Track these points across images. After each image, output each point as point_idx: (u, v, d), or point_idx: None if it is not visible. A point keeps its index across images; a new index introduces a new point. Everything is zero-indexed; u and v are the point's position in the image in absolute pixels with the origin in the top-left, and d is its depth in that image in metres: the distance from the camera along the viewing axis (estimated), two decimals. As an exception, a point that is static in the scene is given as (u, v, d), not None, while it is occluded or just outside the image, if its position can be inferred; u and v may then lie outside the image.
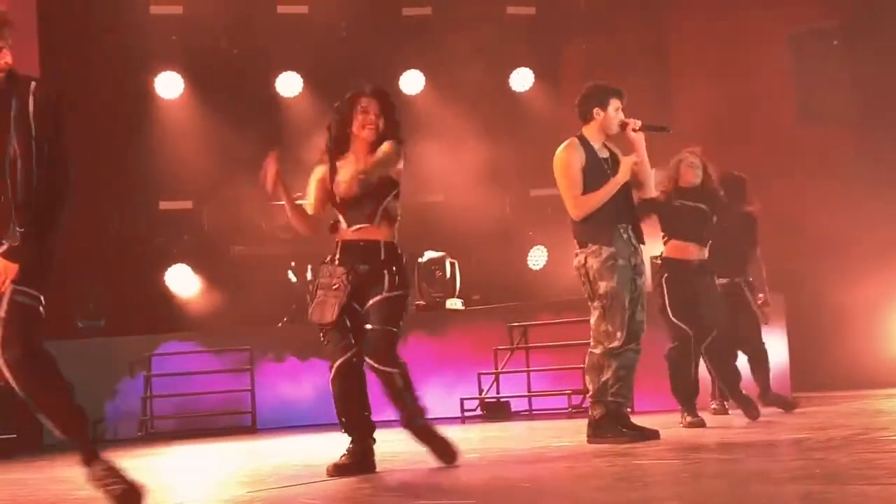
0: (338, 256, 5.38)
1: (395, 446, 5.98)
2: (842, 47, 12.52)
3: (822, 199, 11.93)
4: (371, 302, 5.25)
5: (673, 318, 7.30)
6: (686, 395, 7.25)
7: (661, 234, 7.43)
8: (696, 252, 7.33)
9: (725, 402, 8.21)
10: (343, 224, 5.41)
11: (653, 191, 6.42)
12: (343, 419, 5.28)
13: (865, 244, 11.91)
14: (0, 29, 4.10)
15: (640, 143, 6.22)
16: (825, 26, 12.59)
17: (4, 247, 4.05)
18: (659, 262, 7.55)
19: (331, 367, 5.27)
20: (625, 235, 6.09)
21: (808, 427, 6.81)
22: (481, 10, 12.78)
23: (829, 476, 4.14)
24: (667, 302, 7.30)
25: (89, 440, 4.29)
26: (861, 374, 11.58)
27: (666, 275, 7.33)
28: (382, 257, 5.29)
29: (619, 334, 6.04)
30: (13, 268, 4.03)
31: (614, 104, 6.22)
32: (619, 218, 6.08)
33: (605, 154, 6.19)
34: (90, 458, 4.24)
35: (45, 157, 4.08)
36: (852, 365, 11.78)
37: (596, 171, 6.09)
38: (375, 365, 5.21)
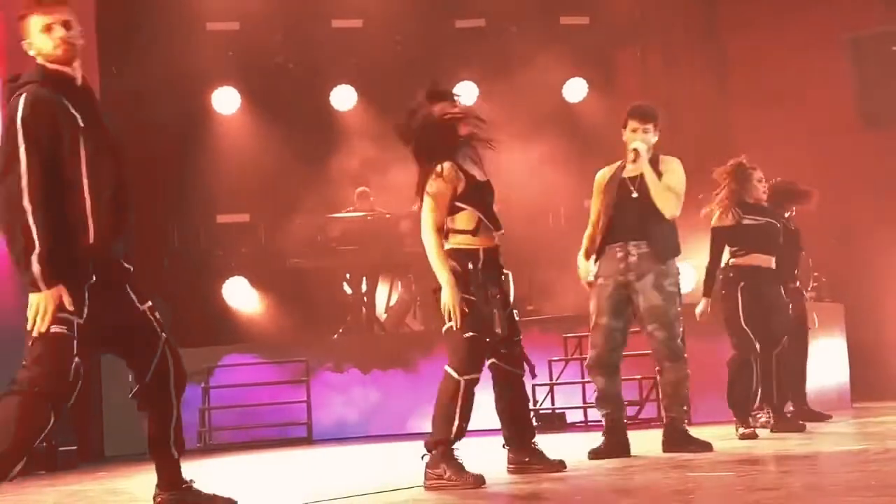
0: (482, 264, 5.21)
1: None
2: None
3: (881, 206, 11.77)
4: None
5: (744, 327, 7.28)
6: (743, 406, 7.20)
7: (732, 248, 7.51)
8: (767, 261, 7.45)
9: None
10: (490, 229, 5.25)
11: (669, 209, 6.08)
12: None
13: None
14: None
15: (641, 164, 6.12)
16: (886, 30, 12.44)
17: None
18: (730, 273, 7.47)
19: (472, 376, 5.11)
20: (619, 254, 6.06)
21: (864, 438, 6.71)
22: (534, 21, 12.79)
23: (886, 488, 4.08)
24: (741, 310, 7.29)
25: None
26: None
27: (742, 283, 7.35)
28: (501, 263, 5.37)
29: (590, 352, 6.13)
30: None
31: (630, 125, 6.18)
32: (614, 237, 6.08)
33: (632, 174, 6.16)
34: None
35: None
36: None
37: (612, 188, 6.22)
38: (518, 371, 5.34)
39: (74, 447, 8.67)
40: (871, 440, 6.37)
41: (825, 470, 5.16)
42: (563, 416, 9.88)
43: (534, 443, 5.41)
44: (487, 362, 5.28)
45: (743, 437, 6.97)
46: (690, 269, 10.82)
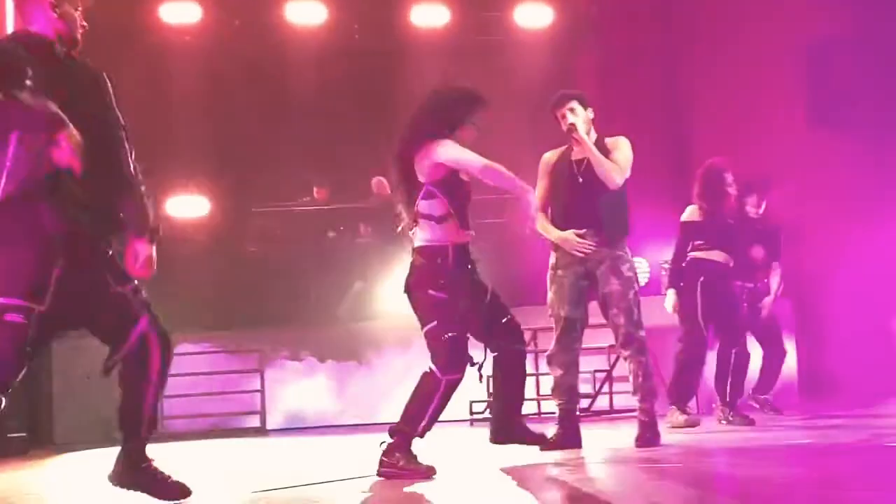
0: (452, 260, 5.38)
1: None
2: (853, 55, 12.52)
3: (829, 206, 11.95)
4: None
5: (700, 321, 7.37)
6: (684, 396, 7.37)
7: (696, 242, 7.62)
8: (726, 258, 7.60)
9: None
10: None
11: (611, 180, 6.07)
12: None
13: (874, 251, 11.90)
14: None
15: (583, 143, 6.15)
16: (837, 34, 12.60)
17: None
18: (691, 267, 7.55)
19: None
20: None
21: (813, 433, 6.83)
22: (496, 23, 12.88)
23: (830, 482, 4.17)
24: (699, 305, 7.37)
25: None
26: (869, 382, 11.58)
27: (702, 278, 7.44)
28: None
29: (552, 344, 6.20)
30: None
31: (557, 115, 6.22)
32: (567, 226, 6.08)
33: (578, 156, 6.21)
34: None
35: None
36: (860, 372, 11.78)
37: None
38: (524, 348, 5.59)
39: (24, 434, 8.59)
40: (818, 436, 6.49)
41: (771, 463, 5.25)
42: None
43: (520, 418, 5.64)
44: (491, 355, 5.38)
45: (684, 424, 7.07)
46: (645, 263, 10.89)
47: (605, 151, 6.14)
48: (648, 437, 6.03)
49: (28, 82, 3.89)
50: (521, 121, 11.11)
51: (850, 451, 5.42)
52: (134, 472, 4.29)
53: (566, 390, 6.14)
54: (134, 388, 4.22)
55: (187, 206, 12.63)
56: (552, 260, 6.18)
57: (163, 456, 4.37)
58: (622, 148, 6.17)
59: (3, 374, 3.96)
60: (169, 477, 4.35)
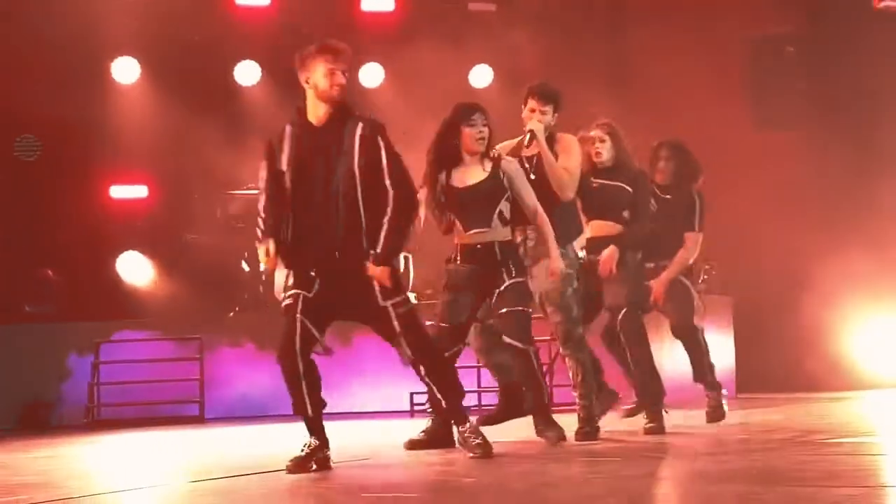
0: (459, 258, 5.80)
1: (345, 440, 6.00)
2: (796, 54, 12.68)
3: (772, 204, 12.09)
4: (497, 292, 5.70)
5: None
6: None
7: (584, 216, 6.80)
8: (614, 231, 6.55)
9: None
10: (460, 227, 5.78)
11: (565, 192, 6.06)
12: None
13: (814, 249, 12.07)
14: (337, 55, 4.96)
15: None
16: (780, 32, 12.75)
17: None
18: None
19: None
20: (518, 239, 5.98)
21: (747, 428, 6.91)
22: (442, 6, 12.82)
23: (765, 477, 4.22)
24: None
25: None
26: (805, 377, 11.76)
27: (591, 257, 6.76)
28: (499, 257, 5.72)
29: None
30: (386, 271, 4.94)
31: (529, 104, 6.14)
32: (513, 220, 5.96)
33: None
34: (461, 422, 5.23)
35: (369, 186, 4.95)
36: (797, 368, 11.95)
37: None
38: (516, 343, 5.69)
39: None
40: (754, 431, 6.57)
41: (709, 458, 5.31)
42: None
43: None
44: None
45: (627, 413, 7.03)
46: None
47: (553, 148, 6.11)
48: (587, 431, 6.07)
49: None
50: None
51: (784, 446, 5.49)
52: None
53: (500, 368, 6.14)
54: None
55: (128, 192, 12.49)
56: None
57: (97, 444, 4.30)
58: (573, 154, 6.13)
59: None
60: None
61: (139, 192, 12.54)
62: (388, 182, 4.94)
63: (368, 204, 4.93)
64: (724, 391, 7.14)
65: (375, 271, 4.94)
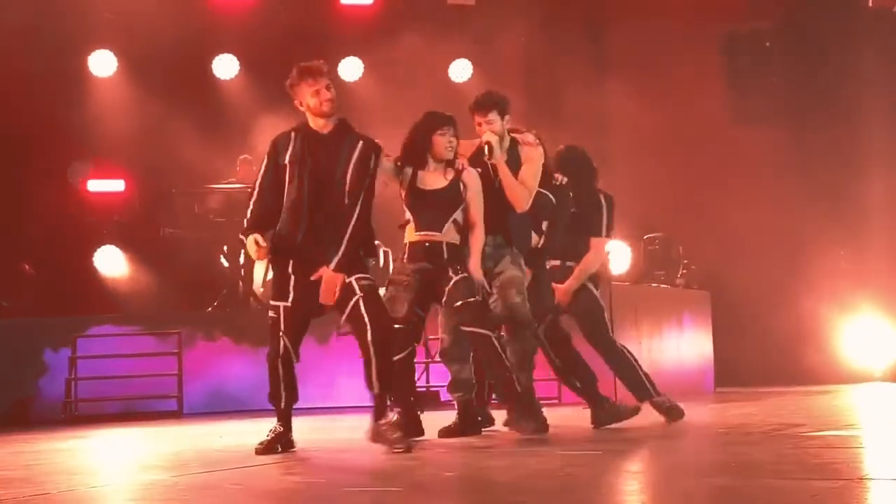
0: (407, 255, 5.99)
1: (323, 433, 5.99)
2: (773, 48, 12.73)
3: (751, 199, 12.14)
4: (447, 289, 5.85)
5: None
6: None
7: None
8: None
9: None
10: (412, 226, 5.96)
11: (520, 205, 6.10)
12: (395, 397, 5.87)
13: (792, 244, 12.14)
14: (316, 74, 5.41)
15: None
16: (757, 27, 12.80)
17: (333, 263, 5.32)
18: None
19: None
20: (488, 249, 6.07)
21: (726, 422, 6.94)
22: (423, 1, 12.82)
23: (744, 470, 4.24)
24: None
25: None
26: (783, 371, 11.83)
27: None
28: (446, 256, 5.87)
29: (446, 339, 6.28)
30: (341, 277, 5.31)
31: (475, 119, 6.18)
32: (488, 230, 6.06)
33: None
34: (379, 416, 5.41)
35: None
36: (774, 361, 12.02)
37: None
38: (477, 330, 5.81)
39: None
40: (733, 424, 6.60)
41: (688, 451, 5.33)
42: (437, 394, 9.96)
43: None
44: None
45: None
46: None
47: (517, 156, 6.16)
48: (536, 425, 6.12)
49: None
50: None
51: (763, 439, 5.52)
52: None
53: (463, 384, 6.20)
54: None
55: (105, 186, 12.43)
56: None
57: (75, 439, 4.27)
58: (533, 165, 6.16)
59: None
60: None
61: (116, 185, 12.48)
62: (357, 197, 5.37)
63: (351, 210, 5.37)
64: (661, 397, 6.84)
65: (328, 274, 5.34)
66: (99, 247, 12.38)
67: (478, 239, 5.95)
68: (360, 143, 5.44)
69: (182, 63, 12.41)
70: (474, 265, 5.89)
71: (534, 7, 13.07)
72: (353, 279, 5.35)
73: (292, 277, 5.44)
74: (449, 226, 5.89)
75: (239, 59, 12.84)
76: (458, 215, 5.92)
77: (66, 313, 10.82)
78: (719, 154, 12.44)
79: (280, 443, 5.55)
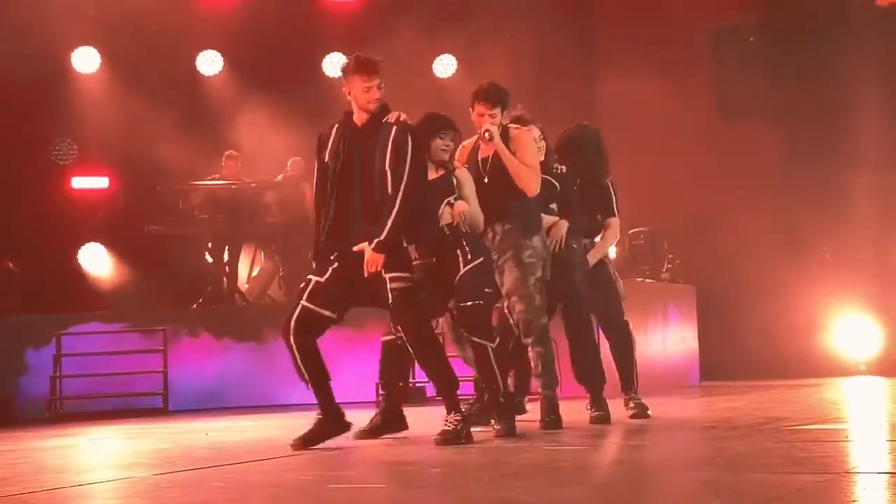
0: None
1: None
2: (759, 44, 12.75)
3: (736, 194, 12.17)
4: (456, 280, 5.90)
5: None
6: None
7: None
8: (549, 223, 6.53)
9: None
10: None
11: (530, 188, 6.10)
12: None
13: (776, 238, 12.17)
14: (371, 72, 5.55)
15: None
16: (743, 23, 12.82)
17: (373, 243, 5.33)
18: None
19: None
20: (489, 234, 6.08)
21: (712, 416, 6.95)
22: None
23: (730, 464, 4.25)
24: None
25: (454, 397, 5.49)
26: (767, 365, 11.85)
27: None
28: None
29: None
30: (381, 258, 5.32)
31: (477, 109, 6.16)
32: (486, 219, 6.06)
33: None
34: (454, 409, 5.44)
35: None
36: (760, 355, 12.05)
37: None
38: (474, 339, 5.85)
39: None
40: (718, 418, 6.61)
41: (674, 446, 5.34)
42: (423, 390, 9.95)
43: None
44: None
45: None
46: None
47: (508, 144, 6.15)
48: (549, 420, 6.10)
49: None
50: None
51: (749, 433, 5.53)
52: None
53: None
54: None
55: (89, 183, 12.39)
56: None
57: (60, 438, 4.25)
58: (528, 147, 6.16)
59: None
60: None
61: (100, 183, 12.43)
62: (398, 182, 5.42)
63: (394, 197, 5.42)
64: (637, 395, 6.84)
65: (369, 253, 5.35)
66: (83, 244, 12.33)
67: (478, 214, 6.00)
68: (394, 129, 5.51)
69: (166, 59, 12.37)
70: (463, 205, 5.92)
71: (519, 2, 13.07)
72: (388, 277, 5.37)
73: (335, 263, 5.46)
74: (444, 208, 5.92)
75: (223, 56, 12.81)
76: (451, 199, 5.96)
77: (51, 311, 10.77)
78: (705, 149, 12.45)
79: (322, 434, 5.47)
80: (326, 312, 5.46)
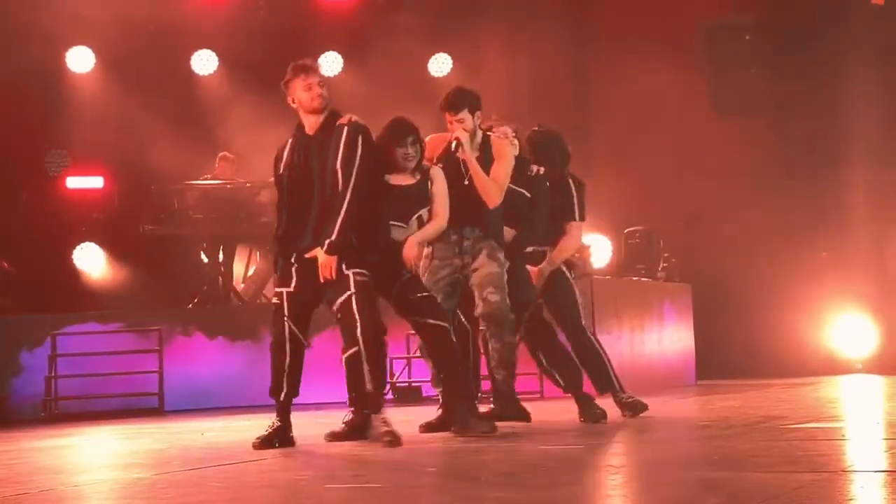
0: None
1: (305, 429, 5.97)
2: (754, 42, 12.76)
3: (732, 192, 12.17)
4: (402, 282, 5.87)
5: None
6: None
7: None
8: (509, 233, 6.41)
9: None
10: None
11: (491, 201, 6.07)
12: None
13: (773, 236, 12.17)
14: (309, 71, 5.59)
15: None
16: (738, 21, 12.82)
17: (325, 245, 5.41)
18: None
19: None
20: (453, 237, 6.08)
21: (708, 415, 6.95)
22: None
23: (727, 463, 4.24)
24: None
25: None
26: (764, 363, 11.86)
27: None
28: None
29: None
30: (333, 259, 5.39)
31: (446, 117, 6.16)
32: (450, 220, 6.02)
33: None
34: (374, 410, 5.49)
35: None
36: (756, 353, 12.05)
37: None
38: (438, 322, 5.83)
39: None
40: (715, 417, 6.61)
41: (670, 444, 5.33)
42: (418, 389, 9.95)
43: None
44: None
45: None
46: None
47: (490, 152, 6.14)
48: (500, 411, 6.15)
49: None
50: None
51: (745, 432, 5.53)
52: None
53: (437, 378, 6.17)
54: None
55: (84, 183, 12.36)
56: (428, 248, 6.15)
57: (56, 438, 4.23)
58: (504, 161, 6.14)
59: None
60: None
61: (95, 182, 12.41)
62: (348, 181, 5.47)
63: (343, 195, 5.46)
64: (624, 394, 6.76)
65: (322, 257, 5.44)
66: (78, 244, 12.30)
67: (433, 227, 5.96)
68: (345, 129, 5.55)
69: (161, 59, 12.36)
70: (411, 240, 5.86)
71: (515, 1, 13.06)
72: (350, 272, 5.45)
73: (295, 265, 5.58)
74: (413, 221, 5.91)
75: (218, 55, 12.78)
76: (424, 213, 5.95)
77: (47, 311, 10.75)
78: (701, 148, 12.46)
79: (278, 438, 5.58)
80: (300, 334, 5.61)
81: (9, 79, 11.40)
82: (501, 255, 6.15)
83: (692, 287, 11.65)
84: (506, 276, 6.13)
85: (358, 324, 5.40)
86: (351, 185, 5.45)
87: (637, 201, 11.96)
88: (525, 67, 12.74)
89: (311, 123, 5.63)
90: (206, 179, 11.46)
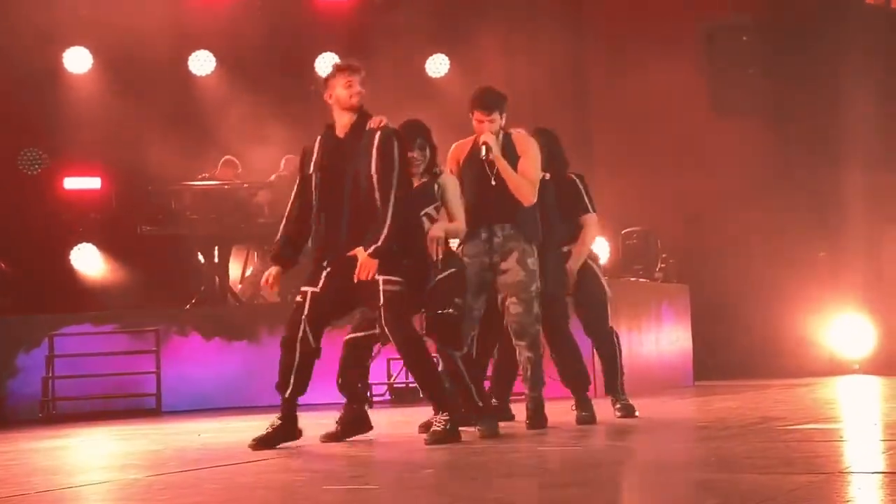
0: None
1: (305, 430, 5.96)
2: (752, 42, 12.77)
3: (730, 192, 12.17)
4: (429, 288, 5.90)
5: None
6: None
7: None
8: None
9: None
10: None
11: (526, 199, 6.08)
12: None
13: (770, 237, 12.18)
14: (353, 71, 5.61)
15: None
16: (737, 21, 12.83)
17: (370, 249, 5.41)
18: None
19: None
20: (484, 236, 6.08)
21: (706, 416, 6.95)
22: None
23: (724, 465, 4.24)
24: None
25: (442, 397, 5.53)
26: (761, 364, 11.86)
27: None
28: None
29: None
30: (375, 263, 5.38)
31: (476, 115, 6.15)
32: (477, 221, 6.06)
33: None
34: (443, 409, 5.47)
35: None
36: (754, 354, 12.06)
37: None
38: (443, 348, 5.96)
39: None
40: (711, 418, 6.61)
41: (668, 446, 5.33)
42: (416, 390, 9.94)
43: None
44: None
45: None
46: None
47: (513, 150, 6.13)
48: (538, 419, 6.12)
49: None
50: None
51: (742, 433, 5.52)
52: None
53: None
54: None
55: (81, 183, 12.35)
56: (459, 247, 6.14)
57: (53, 438, 4.23)
58: (531, 156, 6.15)
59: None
60: None
61: (93, 183, 12.40)
62: (388, 190, 5.48)
63: (385, 206, 5.50)
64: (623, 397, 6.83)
65: (363, 257, 5.42)
66: (76, 245, 12.29)
67: (453, 226, 5.96)
68: (378, 134, 5.56)
69: (158, 59, 12.33)
70: (437, 226, 5.87)
71: (513, 1, 13.06)
72: (381, 279, 5.42)
73: (327, 269, 5.54)
74: (422, 219, 5.90)
75: (215, 56, 12.77)
76: (430, 210, 5.94)
77: (44, 311, 10.74)
78: (698, 148, 12.46)
79: (279, 438, 5.55)
80: (313, 338, 5.56)
81: (5, 79, 11.38)
82: (531, 262, 6.08)
83: (690, 288, 11.65)
84: (534, 284, 6.06)
85: (393, 342, 5.48)
86: (393, 192, 5.46)
87: (635, 201, 11.96)
88: (524, 68, 12.72)
89: (343, 123, 5.63)
90: (203, 180, 11.45)
